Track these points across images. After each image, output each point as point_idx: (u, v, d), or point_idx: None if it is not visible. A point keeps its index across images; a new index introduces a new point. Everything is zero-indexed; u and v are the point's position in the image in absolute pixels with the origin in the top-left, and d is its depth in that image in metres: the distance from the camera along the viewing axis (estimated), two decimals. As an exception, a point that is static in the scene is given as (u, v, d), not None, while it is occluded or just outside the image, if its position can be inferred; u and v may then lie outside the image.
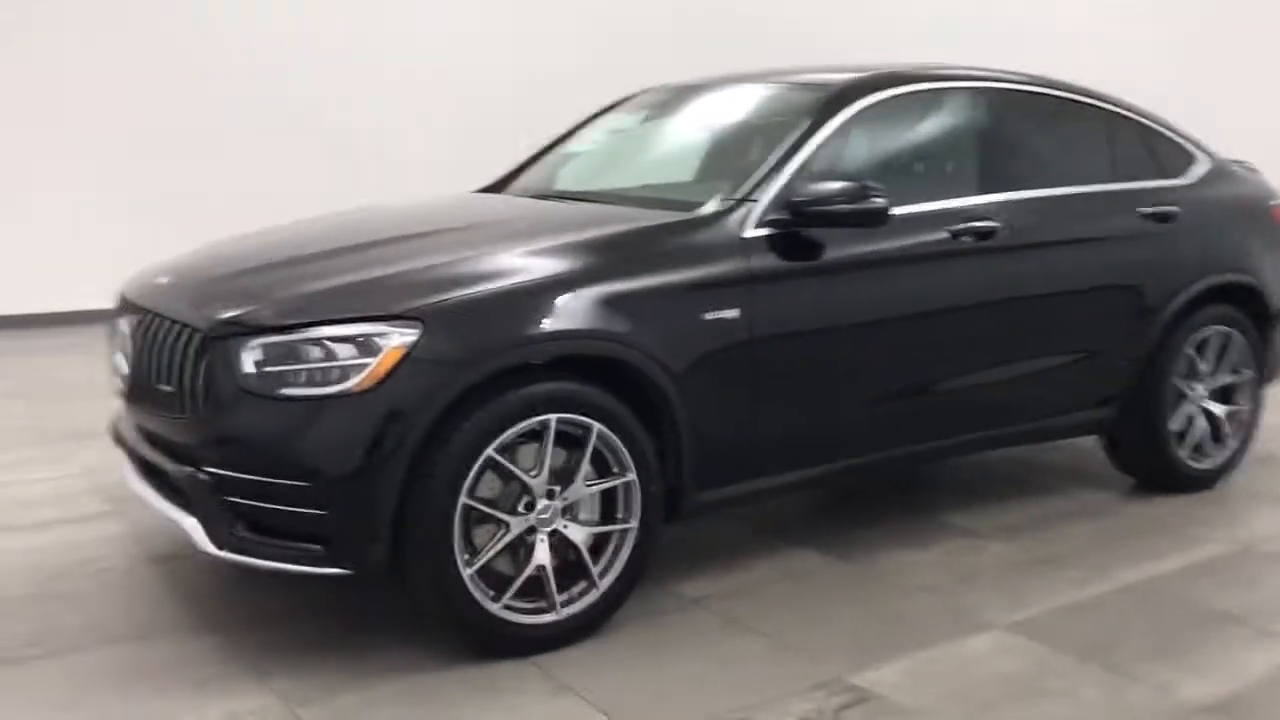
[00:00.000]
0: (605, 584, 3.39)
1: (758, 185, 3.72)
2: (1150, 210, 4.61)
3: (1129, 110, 4.78)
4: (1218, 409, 4.88)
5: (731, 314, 3.53)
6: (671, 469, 3.51)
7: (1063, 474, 5.10)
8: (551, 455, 3.26)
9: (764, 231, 3.65)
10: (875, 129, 4.12)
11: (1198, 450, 4.83)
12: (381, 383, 3.02)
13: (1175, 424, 4.72)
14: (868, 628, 3.52)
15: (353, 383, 3.03)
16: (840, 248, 3.77)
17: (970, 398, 4.17)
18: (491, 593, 3.21)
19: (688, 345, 3.46)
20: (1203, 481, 4.87)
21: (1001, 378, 4.23)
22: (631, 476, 3.39)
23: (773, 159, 3.79)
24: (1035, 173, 4.41)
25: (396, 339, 3.05)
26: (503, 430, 3.16)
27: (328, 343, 3.07)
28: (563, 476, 3.31)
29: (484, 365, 3.12)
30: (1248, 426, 4.96)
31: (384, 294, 3.17)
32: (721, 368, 3.54)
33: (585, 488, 3.33)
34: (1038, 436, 4.62)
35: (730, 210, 3.66)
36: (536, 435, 3.24)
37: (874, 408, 3.93)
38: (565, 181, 4.63)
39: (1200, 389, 4.81)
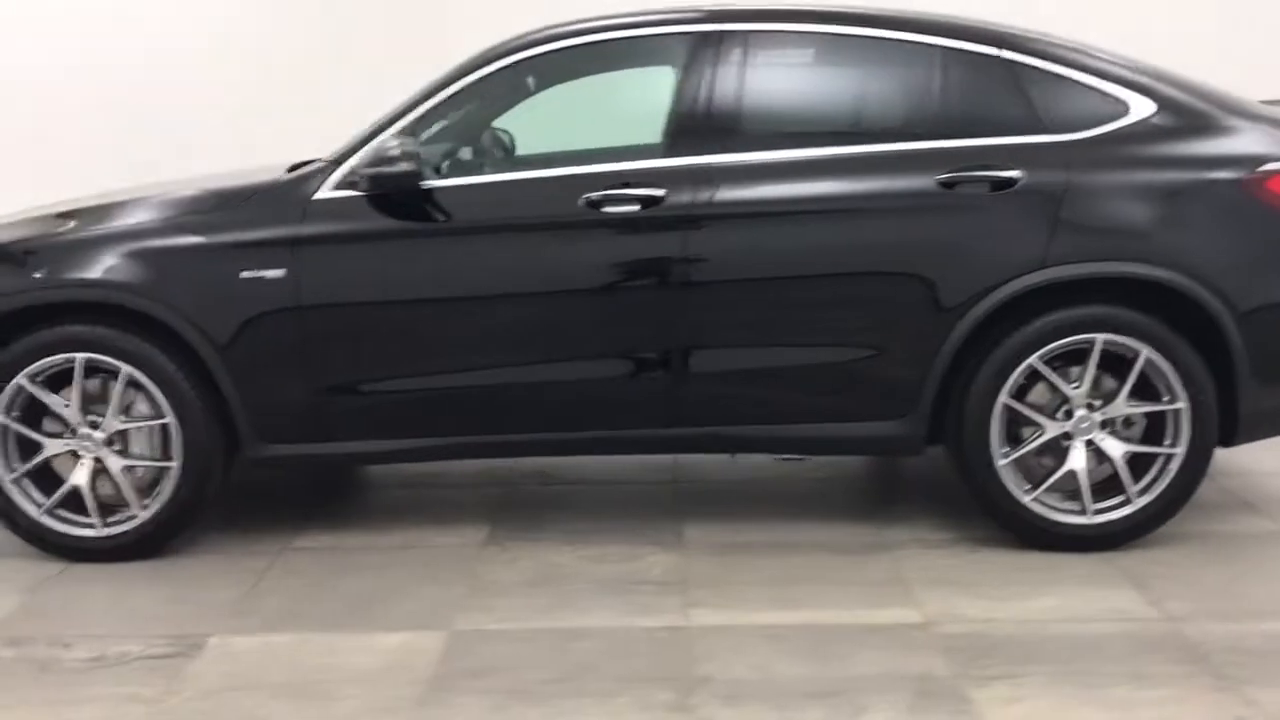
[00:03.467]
0: (148, 513, 3.73)
1: (352, 147, 3.70)
2: (956, 176, 3.56)
3: (987, 44, 3.67)
4: (1114, 447, 3.62)
5: (274, 274, 3.61)
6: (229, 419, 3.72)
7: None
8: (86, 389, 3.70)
9: (340, 194, 3.65)
10: (529, 87, 3.80)
11: (1067, 496, 3.65)
12: None
13: (1012, 458, 3.63)
14: (339, 605, 3.43)
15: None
16: (421, 216, 3.63)
17: (608, 391, 3.67)
18: (40, 501, 3.74)
19: (225, 303, 3.63)
20: (1083, 540, 3.66)
21: (664, 372, 3.64)
22: (170, 419, 3.68)
23: (377, 121, 3.72)
24: (758, 132, 3.68)
25: None
26: (34, 363, 3.66)
27: None
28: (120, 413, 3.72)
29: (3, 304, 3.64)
30: (1176, 475, 3.60)
31: None
32: (266, 328, 3.64)
33: (117, 423, 3.70)
34: (797, 446, 3.84)
35: (315, 173, 3.70)
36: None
37: (464, 388, 3.68)
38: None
39: (1087, 417, 3.61)
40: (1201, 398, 3.56)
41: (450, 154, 3.85)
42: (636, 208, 3.57)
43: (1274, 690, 2.80)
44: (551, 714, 2.79)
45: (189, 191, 3.88)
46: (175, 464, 3.70)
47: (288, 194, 3.68)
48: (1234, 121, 3.66)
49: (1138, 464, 3.62)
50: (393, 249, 3.64)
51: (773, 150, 3.66)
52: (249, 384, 3.66)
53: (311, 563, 3.75)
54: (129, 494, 3.71)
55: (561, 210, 3.59)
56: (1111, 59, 3.74)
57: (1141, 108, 3.62)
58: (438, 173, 3.71)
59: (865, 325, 3.61)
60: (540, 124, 3.99)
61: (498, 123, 4.00)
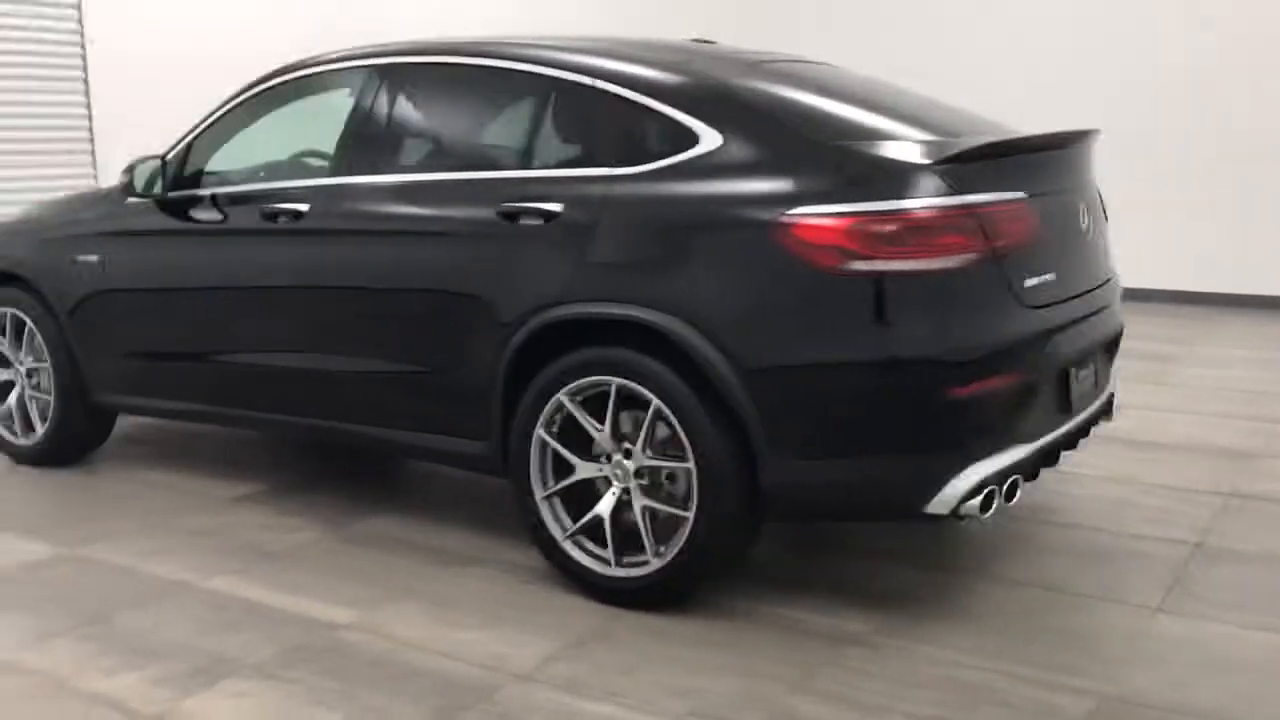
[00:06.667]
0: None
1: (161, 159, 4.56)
2: (511, 206, 3.57)
3: (576, 72, 3.60)
4: (639, 500, 3.44)
5: (92, 259, 4.64)
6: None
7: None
8: None
9: (139, 200, 4.57)
10: (265, 115, 4.39)
11: (604, 545, 3.51)
12: None
13: (548, 494, 3.58)
14: (48, 513, 4.37)
15: None
16: (173, 220, 4.43)
17: (293, 380, 4.18)
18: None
19: (66, 278, 4.73)
20: (608, 592, 3.50)
21: (309, 367, 4.11)
22: (47, 364, 4.87)
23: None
24: (376, 156, 4.02)
25: None
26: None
27: None
28: None
29: None
30: (687, 540, 3.32)
31: None
32: (91, 300, 4.68)
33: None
34: (410, 452, 4.05)
35: (132, 180, 4.63)
36: None
37: (199, 364, 4.42)
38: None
39: (619, 463, 3.47)
40: (704, 461, 3.24)
41: (225, 170, 4.56)
42: (289, 221, 4.08)
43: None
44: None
45: (83, 194, 5.03)
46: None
47: (116, 195, 4.67)
48: (818, 158, 3.22)
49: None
50: (144, 246, 4.51)
51: (379, 174, 3.96)
52: (83, 344, 4.72)
53: (94, 483, 4.76)
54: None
55: (246, 221, 4.21)
56: (714, 87, 3.46)
57: (709, 140, 3.35)
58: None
59: (430, 342, 3.77)
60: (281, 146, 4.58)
61: (282, 146, 4.62)
